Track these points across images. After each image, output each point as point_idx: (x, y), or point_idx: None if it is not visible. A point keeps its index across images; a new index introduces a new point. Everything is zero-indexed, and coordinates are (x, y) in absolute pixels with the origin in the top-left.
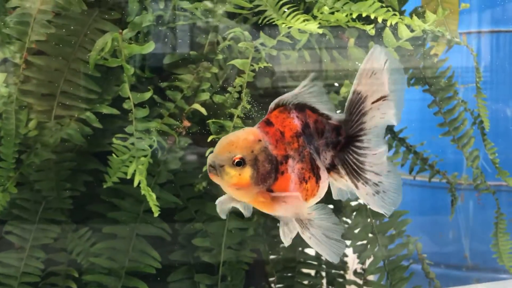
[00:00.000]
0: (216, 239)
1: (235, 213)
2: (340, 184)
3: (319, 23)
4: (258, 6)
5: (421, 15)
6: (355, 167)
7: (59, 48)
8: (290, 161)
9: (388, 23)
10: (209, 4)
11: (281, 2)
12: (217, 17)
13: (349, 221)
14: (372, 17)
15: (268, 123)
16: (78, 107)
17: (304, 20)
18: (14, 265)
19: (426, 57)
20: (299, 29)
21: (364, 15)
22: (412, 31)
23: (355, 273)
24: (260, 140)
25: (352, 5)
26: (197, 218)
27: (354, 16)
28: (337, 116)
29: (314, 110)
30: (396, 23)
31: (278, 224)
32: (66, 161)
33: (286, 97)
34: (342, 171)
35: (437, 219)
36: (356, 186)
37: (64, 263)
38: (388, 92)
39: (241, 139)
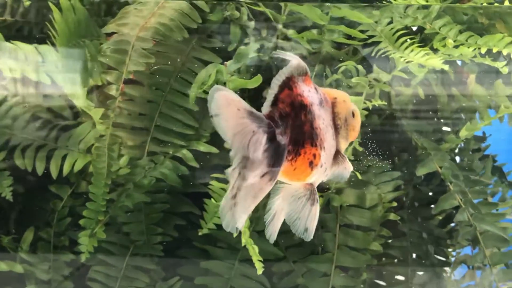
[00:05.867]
0: None
1: (340, 268)
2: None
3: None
4: (371, 37)
5: None
6: None
7: (154, 78)
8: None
9: None
10: (316, 34)
11: (398, 34)
12: (325, 48)
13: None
14: (505, 53)
15: None
16: (174, 144)
17: (424, 54)
18: None
19: None
20: (419, 64)
21: (494, 50)
22: None
23: None
24: None
25: (478, 38)
26: (296, 270)
27: (483, 51)
28: None
29: None
30: None
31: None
32: (157, 202)
33: None
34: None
35: None
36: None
37: None
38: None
39: None
